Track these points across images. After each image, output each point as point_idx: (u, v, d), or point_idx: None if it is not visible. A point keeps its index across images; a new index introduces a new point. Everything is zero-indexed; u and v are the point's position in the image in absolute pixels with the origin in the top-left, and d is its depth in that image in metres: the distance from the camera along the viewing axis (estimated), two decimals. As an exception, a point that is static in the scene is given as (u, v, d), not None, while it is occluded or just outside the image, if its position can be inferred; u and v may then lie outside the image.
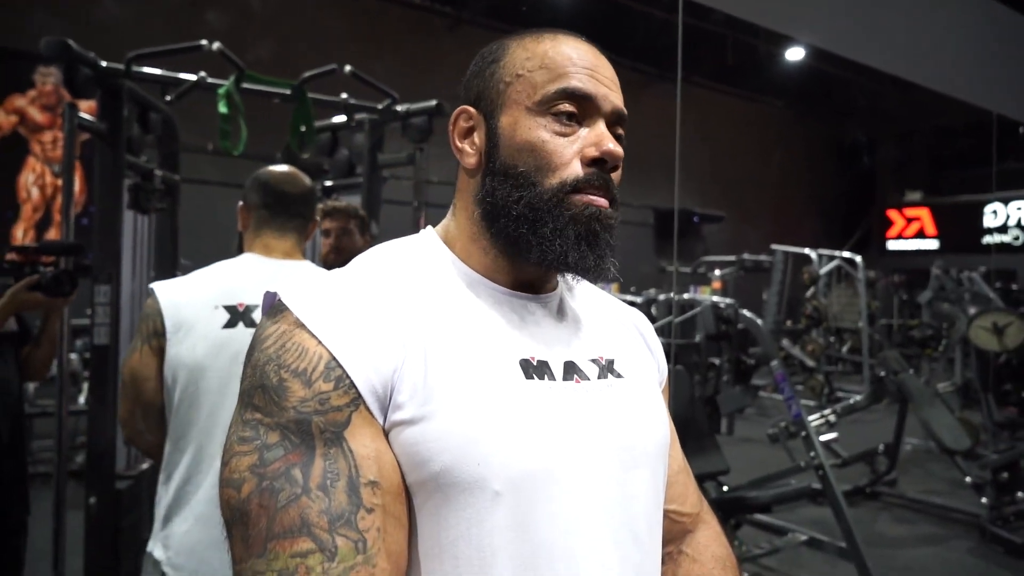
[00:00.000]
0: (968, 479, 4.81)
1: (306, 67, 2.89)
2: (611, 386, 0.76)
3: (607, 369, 0.77)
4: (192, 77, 2.71)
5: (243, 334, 1.46)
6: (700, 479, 3.49)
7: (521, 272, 0.76)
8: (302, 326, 0.64)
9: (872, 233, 16.12)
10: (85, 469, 2.51)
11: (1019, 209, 14.04)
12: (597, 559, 0.68)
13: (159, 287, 1.50)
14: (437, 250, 0.78)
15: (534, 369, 0.71)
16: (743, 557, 3.45)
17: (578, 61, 0.74)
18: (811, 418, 4.89)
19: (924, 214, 15.48)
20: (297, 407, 0.61)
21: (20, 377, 2.23)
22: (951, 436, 4.42)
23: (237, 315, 1.47)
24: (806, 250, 8.42)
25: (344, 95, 3.14)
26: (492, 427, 0.65)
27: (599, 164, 0.73)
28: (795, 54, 11.70)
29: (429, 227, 0.83)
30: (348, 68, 2.88)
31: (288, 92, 2.89)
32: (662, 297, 6.77)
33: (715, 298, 5.34)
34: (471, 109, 0.77)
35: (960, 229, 14.71)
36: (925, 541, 4.31)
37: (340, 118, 3.34)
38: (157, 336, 1.47)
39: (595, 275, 0.73)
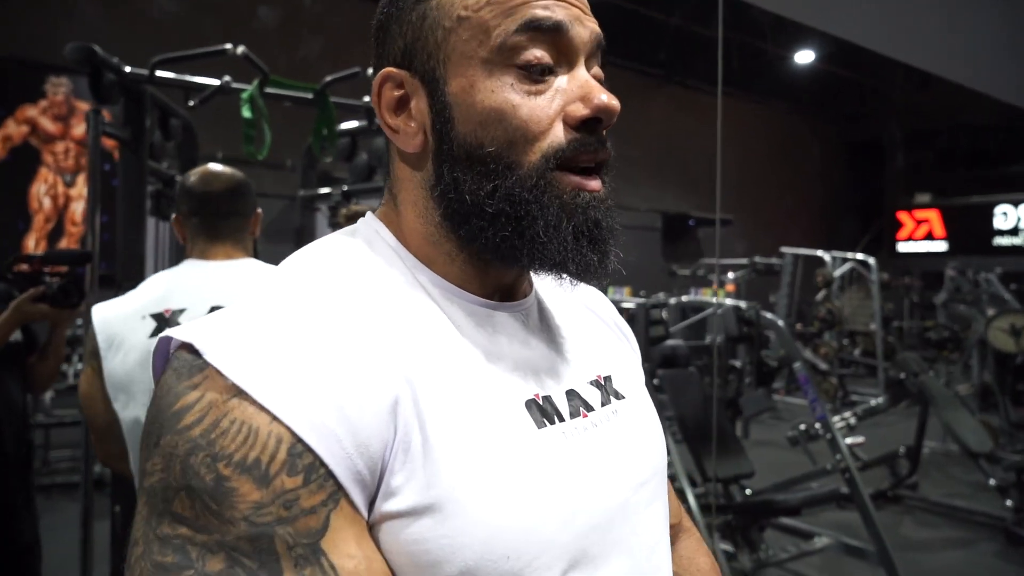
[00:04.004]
0: (992, 482, 4.76)
1: (328, 71, 2.88)
2: (616, 412, 0.65)
3: (607, 391, 0.67)
4: (215, 82, 2.69)
5: None
6: (726, 482, 3.46)
7: (497, 280, 0.61)
8: (241, 394, 0.45)
9: (883, 235, 16.09)
10: (109, 479, 2.49)
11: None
12: None
13: (95, 307, 1.44)
14: (392, 253, 0.60)
15: (541, 411, 0.57)
16: (769, 562, 3.41)
17: None
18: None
19: (933, 216, 15.44)
20: (250, 517, 0.43)
21: (24, 389, 2.16)
22: (975, 438, 4.38)
23: (163, 322, 1.39)
24: (819, 252, 8.38)
25: (366, 98, 3.12)
26: (518, 509, 0.51)
27: (591, 124, 0.56)
28: (804, 57, 11.68)
29: (369, 215, 0.64)
30: (371, 71, 2.86)
31: (311, 96, 2.87)
32: (672, 301, 6.76)
33: (729, 301, 5.31)
34: (399, 72, 0.58)
35: (969, 231, 14.67)
36: (951, 545, 4.26)
37: (354, 123, 3.33)
38: (95, 356, 1.40)
39: (599, 276, 0.58)
